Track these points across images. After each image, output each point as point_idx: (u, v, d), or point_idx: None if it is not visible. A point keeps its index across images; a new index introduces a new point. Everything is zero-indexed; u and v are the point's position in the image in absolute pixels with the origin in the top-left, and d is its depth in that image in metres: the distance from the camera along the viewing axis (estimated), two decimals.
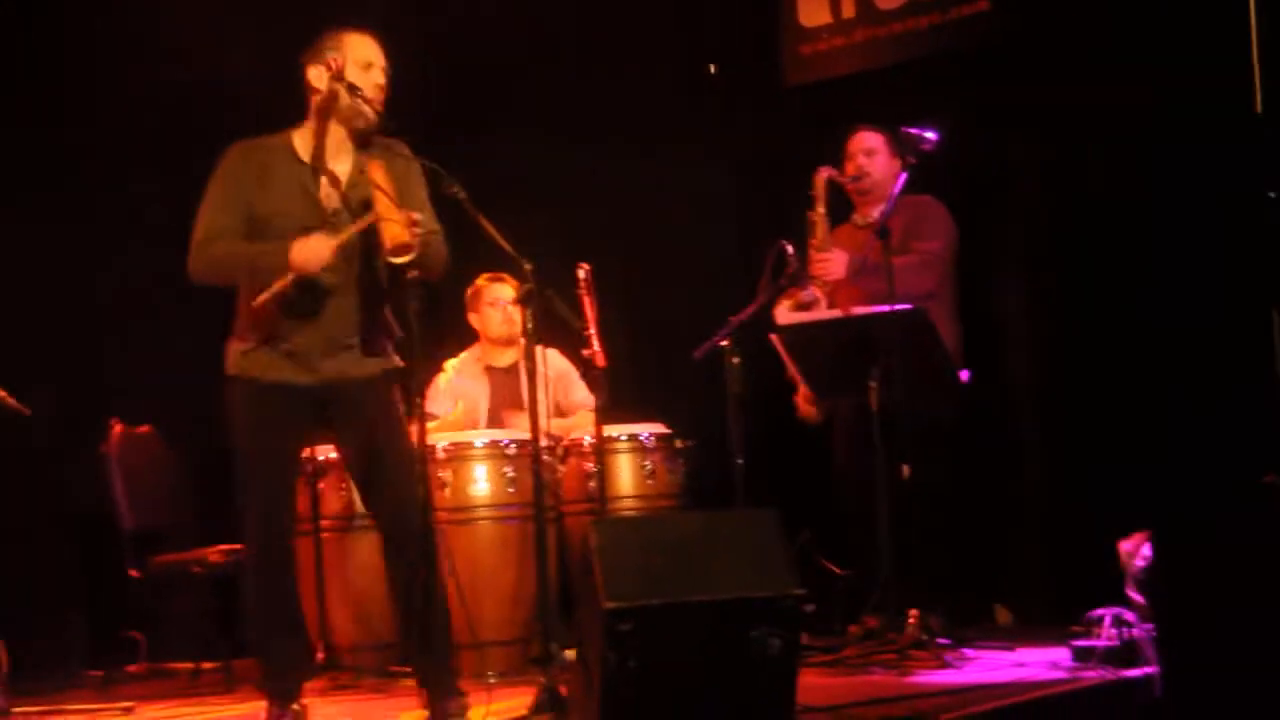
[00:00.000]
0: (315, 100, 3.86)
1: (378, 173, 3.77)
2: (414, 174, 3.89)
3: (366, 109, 3.81)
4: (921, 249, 4.95)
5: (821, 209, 5.06)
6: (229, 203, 3.82)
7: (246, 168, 3.84)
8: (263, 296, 3.76)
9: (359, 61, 3.84)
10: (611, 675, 3.17)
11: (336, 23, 3.92)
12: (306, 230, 3.76)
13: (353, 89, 3.79)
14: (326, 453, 5.03)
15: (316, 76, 3.84)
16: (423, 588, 3.77)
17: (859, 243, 5.03)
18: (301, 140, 3.88)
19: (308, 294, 3.79)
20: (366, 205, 3.79)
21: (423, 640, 3.78)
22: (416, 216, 3.71)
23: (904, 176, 4.86)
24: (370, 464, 3.92)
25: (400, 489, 3.83)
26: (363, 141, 3.88)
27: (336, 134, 3.87)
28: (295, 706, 3.90)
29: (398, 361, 3.97)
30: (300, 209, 3.82)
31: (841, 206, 5.22)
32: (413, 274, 3.69)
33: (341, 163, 3.89)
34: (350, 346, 3.90)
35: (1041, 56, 5.53)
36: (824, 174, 5.08)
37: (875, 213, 5.04)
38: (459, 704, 3.79)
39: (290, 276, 3.73)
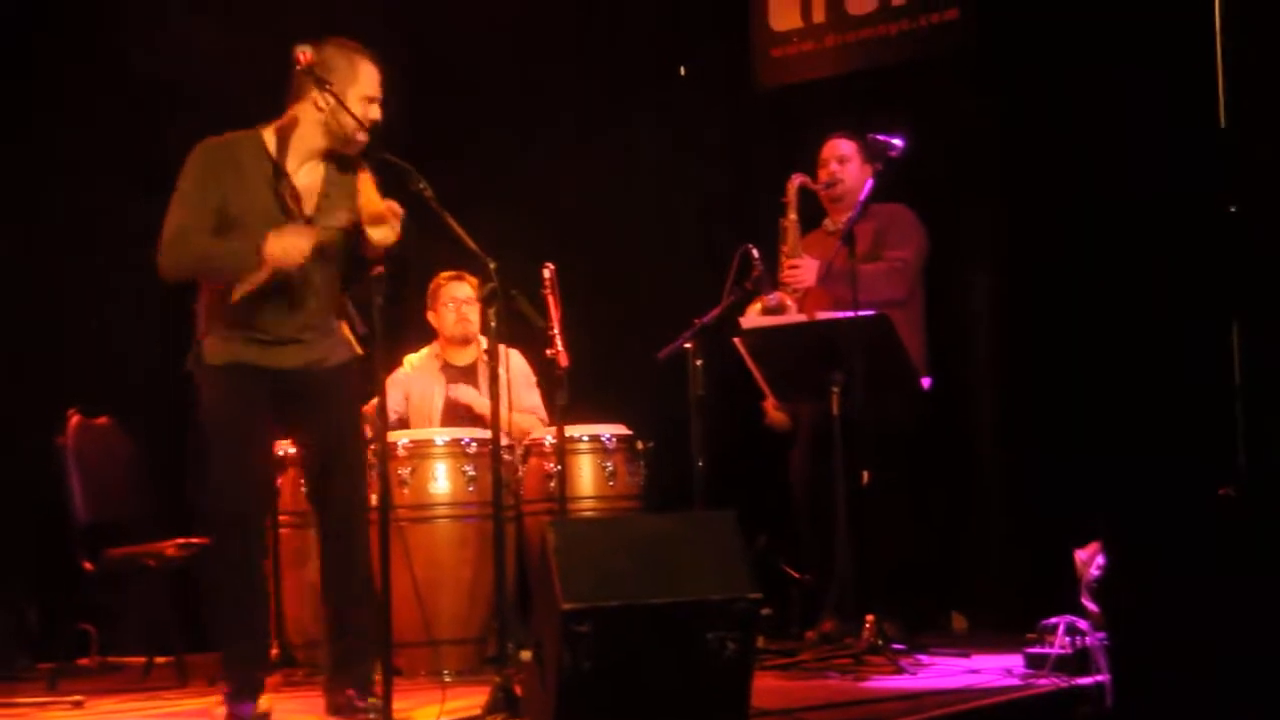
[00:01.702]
0: (308, 109, 3.82)
1: (364, 175, 3.79)
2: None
3: (360, 138, 3.82)
4: (892, 257, 4.97)
5: (793, 216, 5.08)
6: (200, 199, 3.80)
7: (218, 164, 3.82)
8: (241, 290, 3.75)
9: (366, 95, 3.84)
10: (567, 676, 3.17)
11: (327, 34, 3.89)
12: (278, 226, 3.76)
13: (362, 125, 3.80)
14: (285, 448, 5.01)
15: (321, 95, 3.80)
16: (362, 584, 3.83)
17: (830, 249, 5.05)
18: (277, 140, 3.86)
19: (283, 282, 3.79)
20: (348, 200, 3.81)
21: (349, 632, 3.84)
22: (399, 208, 3.73)
23: (871, 183, 4.89)
24: (332, 455, 3.92)
25: (355, 483, 3.89)
26: (334, 157, 3.89)
27: (318, 146, 3.86)
28: (259, 703, 3.86)
29: (359, 349, 3.99)
30: (273, 207, 3.81)
31: (813, 213, 5.23)
32: (378, 270, 3.68)
33: (312, 167, 3.88)
34: (321, 335, 3.92)
35: (1009, 64, 5.57)
36: (796, 181, 5.10)
37: (844, 220, 5.06)
38: (371, 703, 3.79)
39: (268, 270, 3.72)
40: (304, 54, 3.79)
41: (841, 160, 5.16)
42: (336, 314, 3.98)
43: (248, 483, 3.86)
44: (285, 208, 3.82)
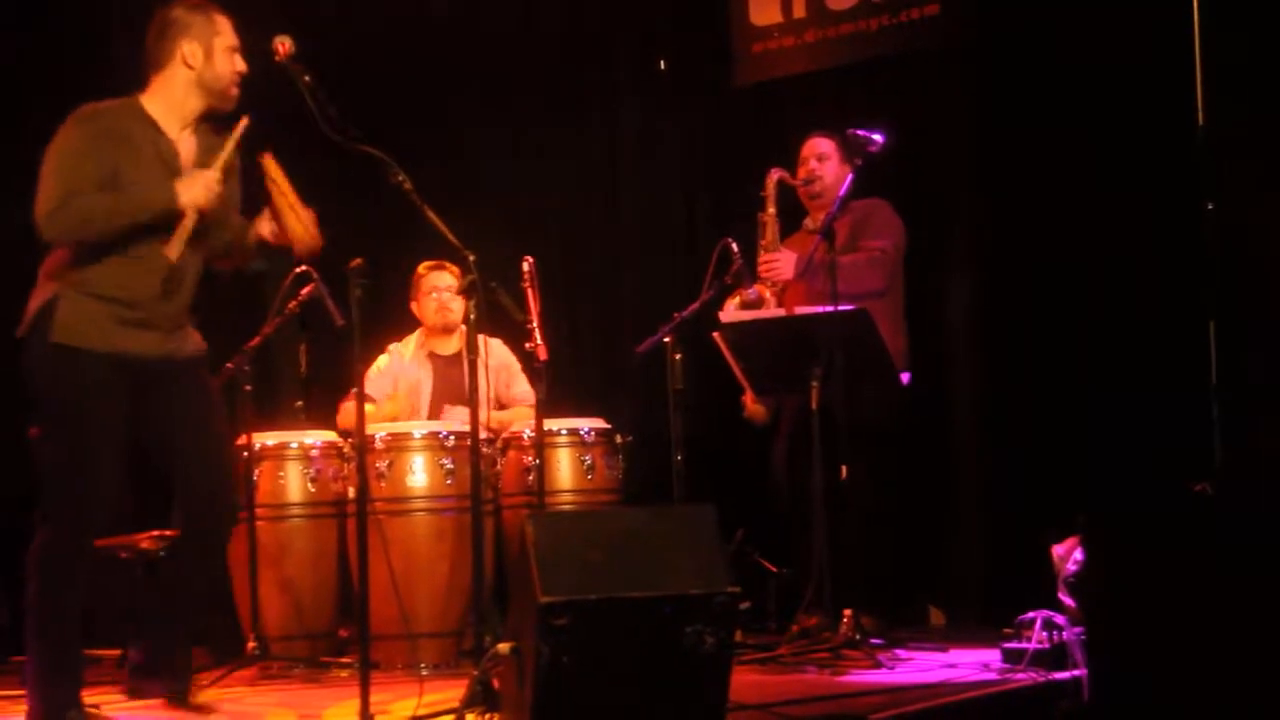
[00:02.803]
0: (178, 71, 3.79)
1: (272, 165, 3.79)
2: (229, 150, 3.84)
3: (234, 91, 3.82)
4: (869, 246, 4.98)
5: (772, 210, 5.08)
6: (88, 166, 3.67)
7: (104, 132, 3.72)
8: (175, 247, 3.67)
9: (231, 45, 3.83)
10: (545, 669, 3.16)
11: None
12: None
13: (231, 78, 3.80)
14: (263, 440, 4.99)
15: (190, 52, 3.79)
16: (210, 581, 3.91)
17: (810, 247, 5.05)
18: (155, 108, 3.81)
19: (160, 262, 3.71)
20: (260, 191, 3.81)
21: (177, 626, 3.91)
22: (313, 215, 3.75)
23: (850, 179, 4.89)
24: (189, 447, 3.83)
25: (215, 475, 3.85)
26: (205, 119, 3.87)
27: (194, 108, 3.83)
28: (80, 713, 3.71)
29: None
30: (163, 174, 3.74)
31: (792, 209, 5.22)
32: (356, 262, 3.66)
33: (186, 137, 3.85)
34: (184, 323, 3.88)
35: (989, 60, 5.58)
36: (775, 175, 5.10)
37: (822, 218, 5.07)
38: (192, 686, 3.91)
39: (191, 217, 3.68)
40: (162, 16, 3.81)
41: (820, 158, 5.17)
42: (194, 304, 3.89)
43: (103, 484, 3.71)
44: (176, 174, 3.75)
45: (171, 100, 3.81)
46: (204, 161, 3.83)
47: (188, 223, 3.69)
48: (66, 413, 3.72)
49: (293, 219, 3.75)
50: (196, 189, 3.68)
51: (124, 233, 3.68)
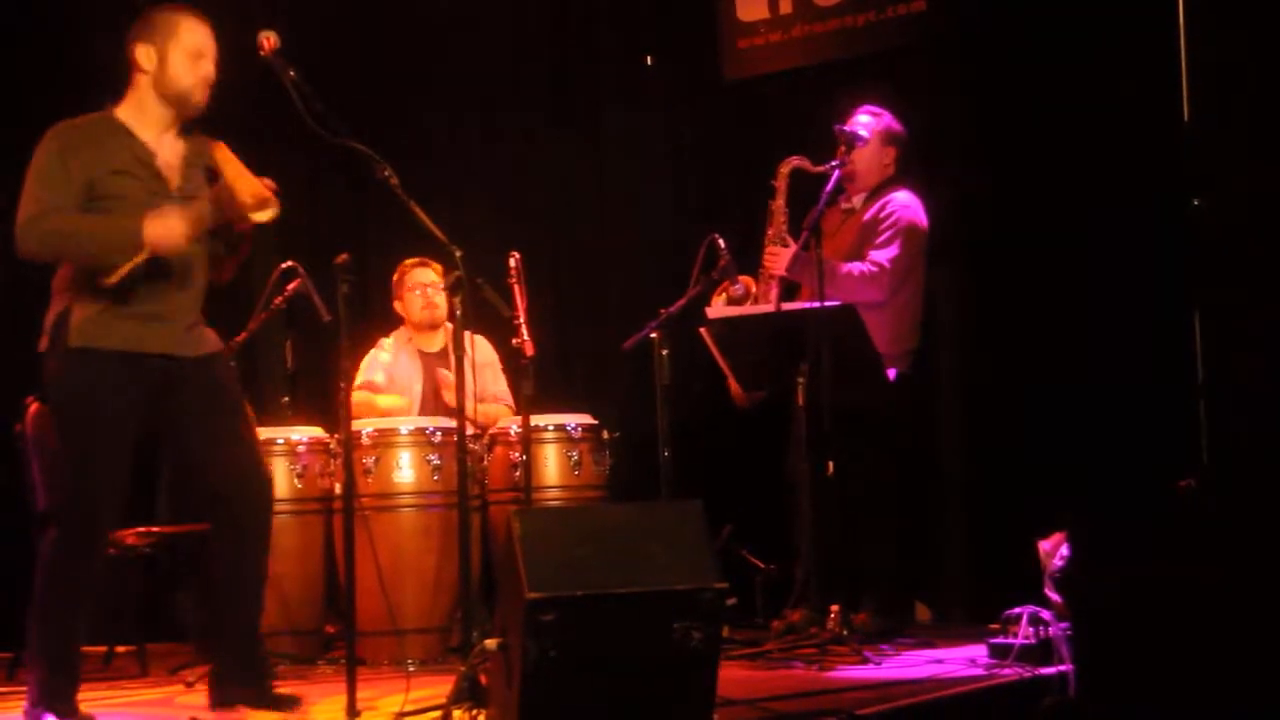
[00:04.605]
0: (140, 77, 3.76)
1: (222, 150, 3.75)
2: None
3: (197, 96, 3.76)
4: (872, 259, 4.95)
5: (781, 200, 5.05)
6: (64, 178, 3.65)
7: (79, 144, 3.70)
8: (116, 275, 3.61)
9: (190, 50, 3.75)
10: (532, 665, 3.16)
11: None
12: (152, 205, 3.65)
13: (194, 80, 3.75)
14: (270, 437, 4.98)
15: (145, 55, 3.74)
16: (257, 573, 3.83)
17: (839, 224, 5.04)
18: (129, 116, 3.78)
19: (166, 260, 3.68)
20: (211, 178, 3.75)
21: (239, 625, 3.84)
22: (272, 184, 3.68)
23: (837, 175, 4.89)
24: (214, 440, 3.80)
25: (243, 464, 3.80)
26: (185, 128, 3.83)
27: (161, 113, 3.78)
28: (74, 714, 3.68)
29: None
30: (143, 184, 3.71)
31: (805, 196, 5.16)
32: (342, 258, 3.65)
33: (171, 141, 3.80)
34: (198, 319, 3.85)
35: (976, 56, 5.58)
36: (790, 164, 5.05)
37: (858, 200, 5.07)
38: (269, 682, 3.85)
39: (145, 253, 3.62)
40: (136, 45, 3.76)
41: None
42: (205, 301, 3.88)
43: (109, 489, 3.68)
44: (153, 184, 3.72)
45: (140, 105, 3.77)
46: (191, 165, 3.78)
47: (139, 258, 3.62)
48: (80, 413, 3.70)
49: (242, 185, 3.69)
50: (166, 225, 3.60)
51: (93, 260, 3.64)
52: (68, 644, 3.73)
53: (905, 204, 5.03)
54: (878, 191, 5.04)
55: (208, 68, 3.79)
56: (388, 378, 5.43)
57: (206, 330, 3.89)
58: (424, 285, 5.44)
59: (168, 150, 3.80)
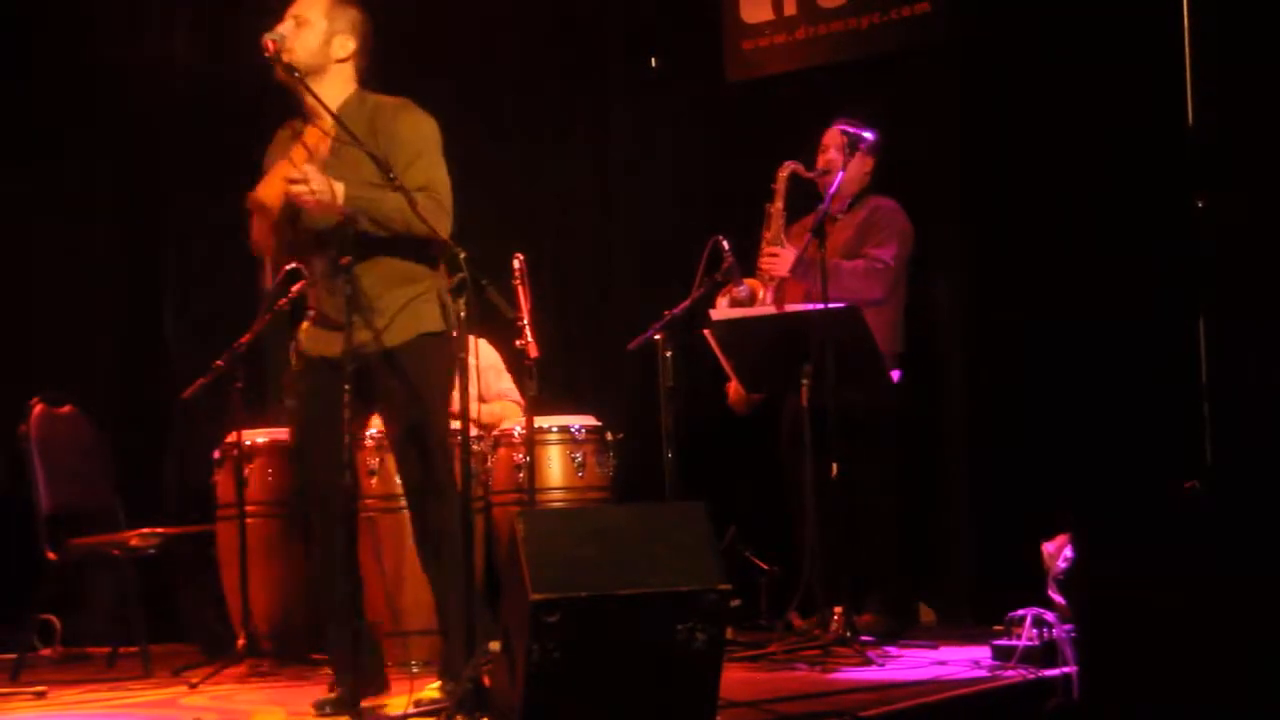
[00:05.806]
0: (354, 64, 4.02)
1: (313, 135, 3.85)
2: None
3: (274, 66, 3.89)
4: (872, 256, 4.96)
5: (780, 203, 5.06)
6: None
7: None
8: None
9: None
10: (535, 666, 3.16)
11: None
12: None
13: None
14: (254, 438, 4.98)
15: (342, 45, 3.99)
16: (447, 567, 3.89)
17: (830, 232, 5.05)
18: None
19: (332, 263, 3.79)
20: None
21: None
22: (298, 174, 3.71)
23: (840, 175, 4.89)
24: (396, 437, 3.96)
25: (423, 462, 3.88)
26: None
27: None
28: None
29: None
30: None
31: (804, 201, 5.18)
32: (345, 260, 3.65)
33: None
34: (355, 321, 3.83)
35: (980, 58, 5.58)
36: (788, 168, 5.06)
37: (838, 207, 5.07)
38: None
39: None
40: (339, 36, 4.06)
41: (841, 148, 5.13)
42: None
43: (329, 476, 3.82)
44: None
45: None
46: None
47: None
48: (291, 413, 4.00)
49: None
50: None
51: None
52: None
53: (896, 208, 5.08)
54: (859, 199, 5.06)
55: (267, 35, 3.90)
56: None
57: (382, 325, 3.93)
58: None
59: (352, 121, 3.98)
